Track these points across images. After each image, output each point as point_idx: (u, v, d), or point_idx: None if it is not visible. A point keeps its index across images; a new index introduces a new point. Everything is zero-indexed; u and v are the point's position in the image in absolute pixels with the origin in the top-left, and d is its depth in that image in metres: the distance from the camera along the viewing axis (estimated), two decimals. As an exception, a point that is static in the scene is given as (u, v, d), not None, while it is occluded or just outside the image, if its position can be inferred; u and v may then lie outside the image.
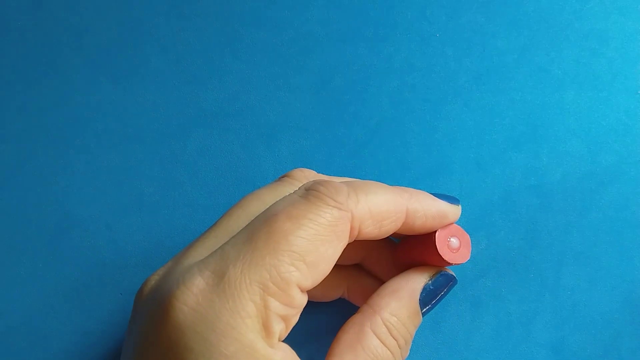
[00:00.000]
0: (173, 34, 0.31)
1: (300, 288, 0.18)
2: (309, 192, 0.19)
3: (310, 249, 0.18)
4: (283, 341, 0.19)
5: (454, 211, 0.23)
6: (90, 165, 0.29)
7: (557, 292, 0.27)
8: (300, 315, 0.19)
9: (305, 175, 0.23)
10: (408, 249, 0.24)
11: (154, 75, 0.31)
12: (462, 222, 0.28)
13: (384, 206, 0.21)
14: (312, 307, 0.27)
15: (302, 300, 0.19)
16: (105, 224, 0.28)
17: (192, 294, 0.17)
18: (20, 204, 0.29)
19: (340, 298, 0.26)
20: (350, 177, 0.26)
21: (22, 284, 0.27)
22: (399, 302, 0.21)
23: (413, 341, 0.26)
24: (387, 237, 0.25)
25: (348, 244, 0.24)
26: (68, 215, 0.28)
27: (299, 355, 0.19)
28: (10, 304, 0.27)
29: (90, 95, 0.31)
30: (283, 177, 0.23)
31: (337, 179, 0.24)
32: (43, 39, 0.31)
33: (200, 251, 0.20)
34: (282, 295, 0.18)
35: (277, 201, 0.20)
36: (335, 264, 0.25)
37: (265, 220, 0.19)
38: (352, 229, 0.20)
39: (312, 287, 0.19)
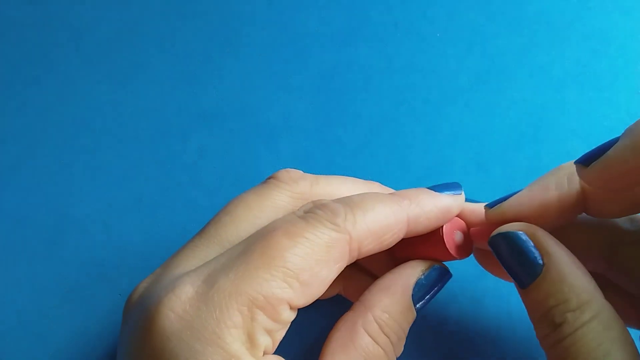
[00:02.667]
0: (173, 34, 0.31)
1: (290, 305, 0.18)
2: (308, 213, 0.20)
3: (304, 268, 0.18)
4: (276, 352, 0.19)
5: (457, 203, 0.22)
6: (90, 165, 0.29)
7: (559, 293, 0.27)
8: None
9: (291, 176, 0.23)
10: (408, 245, 0.23)
11: (154, 75, 0.31)
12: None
13: (384, 221, 0.20)
14: (308, 305, 0.27)
15: (290, 317, 0.19)
16: (104, 224, 0.28)
17: (180, 301, 0.17)
18: (20, 204, 0.29)
19: (337, 295, 0.26)
20: (350, 177, 0.26)
21: (21, 284, 0.27)
22: (391, 299, 0.21)
23: (412, 341, 0.26)
24: None
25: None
26: (67, 215, 0.28)
27: (295, 353, 0.19)
28: (10, 304, 0.27)
29: (90, 95, 0.31)
30: (269, 178, 0.23)
31: (325, 178, 0.23)
32: (43, 39, 0.32)
33: (192, 261, 0.20)
34: (271, 310, 0.18)
35: (276, 219, 0.20)
36: None
37: (263, 236, 0.19)
38: (351, 250, 0.20)
39: (302, 306, 0.19)
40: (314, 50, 0.31)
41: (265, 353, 0.18)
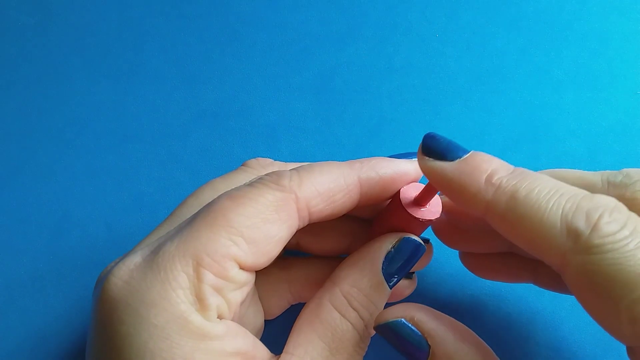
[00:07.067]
0: (173, 34, 0.31)
1: (239, 263, 0.18)
2: (255, 180, 0.20)
3: (249, 226, 0.18)
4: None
5: (415, 167, 0.22)
6: (90, 165, 0.29)
7: (557, 292, 0.27)
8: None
9: (260, 164, 0.23)
10: (380, 221, 0.23)
11: (154, 75, 0.31)
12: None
13: (332, 182, 0.20)
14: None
15: (241, 276, 0.18)
16: (105, 223, 0.28)
17: (128, 270, 0.18)
18: (20, 203, 0.29)
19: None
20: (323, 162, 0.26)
21: (22, 284, 0.27)
22: (360, 272, 0.20)
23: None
24: (371, 223, 0.24)
25: (331, 235, 0.24)
26: (68, 215, 0.28)
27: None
28: (10, 304, 0.27)
29: (90, 95, 0.31)
30: (240, 166, 0.24)
31: (295, 165, 0.23)
32: (43, 39, 0.31)
33: (152, 239, 0.20)
34: (217, 267, 0.18)
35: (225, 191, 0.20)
36: (324, 257, 0.24)
37: (208, 204, 0.19)
38: (299, 210, 0.19)
39: (255, 267, 0.19)
40: (314, 50, 0.31)
41: (221, 316, 0.18)
